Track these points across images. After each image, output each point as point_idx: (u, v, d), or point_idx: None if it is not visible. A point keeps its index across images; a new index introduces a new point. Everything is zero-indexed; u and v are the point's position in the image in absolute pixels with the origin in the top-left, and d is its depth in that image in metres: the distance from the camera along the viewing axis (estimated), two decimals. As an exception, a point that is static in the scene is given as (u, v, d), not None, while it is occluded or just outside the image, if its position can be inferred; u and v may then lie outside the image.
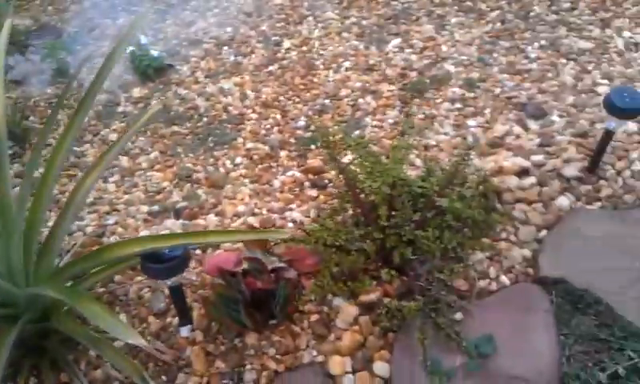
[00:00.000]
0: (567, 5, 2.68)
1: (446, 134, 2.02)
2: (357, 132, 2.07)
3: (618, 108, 1.48)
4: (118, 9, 2.91)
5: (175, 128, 2.25)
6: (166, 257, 1.16)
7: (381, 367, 1.30)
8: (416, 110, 2.14)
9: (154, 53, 2.52)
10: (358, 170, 1.52)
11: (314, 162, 1.97)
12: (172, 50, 2.67)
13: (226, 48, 2.67)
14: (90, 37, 2.77)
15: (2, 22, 2.39)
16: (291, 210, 1.78)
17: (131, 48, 2.54)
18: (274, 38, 2.68)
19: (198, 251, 1.60)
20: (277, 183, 1.92)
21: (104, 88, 2.51)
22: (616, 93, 1.51)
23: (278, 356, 1.32)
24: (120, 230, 1.80)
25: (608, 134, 1.57)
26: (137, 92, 2.49)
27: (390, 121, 2.12)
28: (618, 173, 1.68)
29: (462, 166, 1.52)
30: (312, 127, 2.12)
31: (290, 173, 1.96)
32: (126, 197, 1.96)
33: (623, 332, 1.33)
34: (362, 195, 1.50)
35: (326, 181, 1.88)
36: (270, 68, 2.52)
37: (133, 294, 1.50)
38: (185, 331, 1.35)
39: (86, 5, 2.95)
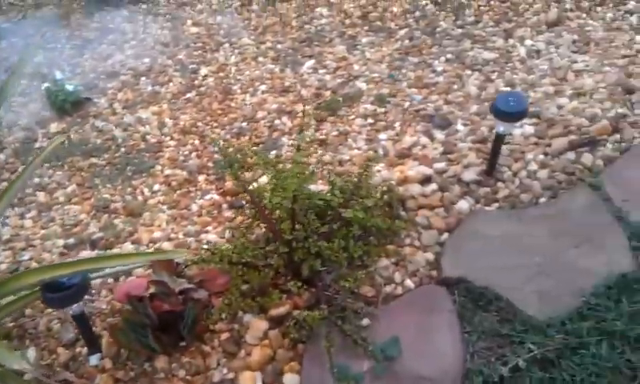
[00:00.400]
0: (472, 18, 2.81)
1: (359, 148, 2.08)
2: (273, 152, 2.12)
3: (503, 112, 1.57)
4: (36, 47, 2.88)
5: (93, 160, 2.25)
6: (64, 285, 1.17)
7: (291, 379, 1.32)
8: (330, 127, 2.21)
9: (70, 87, 2.51)
10: (267, 187, 1.56)
11: (232, 183, 2.01)
12: (90, 83, 2.67)
13: (143, 78, 2.68)
14: (7, 74, 2.73)
15: None
16: (207, 232, 1.80)
17: (46, 84, 2.53)
18: (191, 66, 2.72)
19: (111, 280, 1.60)
20: (195, 207, 1.94)
21: (21, 125, 2.51)
22: (502, 98, 1.60)
23: (188, 377, 1.33)
24: (34, 264, 1.78)
25: (498, 138, 1.66)
26: (54, 127, 2.47)
27: (307, 139, 2.17)
28: (515, 174, 1.78)
29: (365, 178, 1.58)
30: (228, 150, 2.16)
31: (208, 196, 1.98)
32: (43, 232, 1.94)
33: (524, 326, 1.39)
34: (268, 212, 1.53)
35: (243, 202, 1.92)
36: (188, 95, 2.55)
37: (42, 326, 1.49)
38: (94, 360, 1.35)
39: (3, 44, 2.91)
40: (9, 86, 1.38)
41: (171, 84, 2.63)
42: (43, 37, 2.95)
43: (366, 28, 2.85)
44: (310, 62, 2.65)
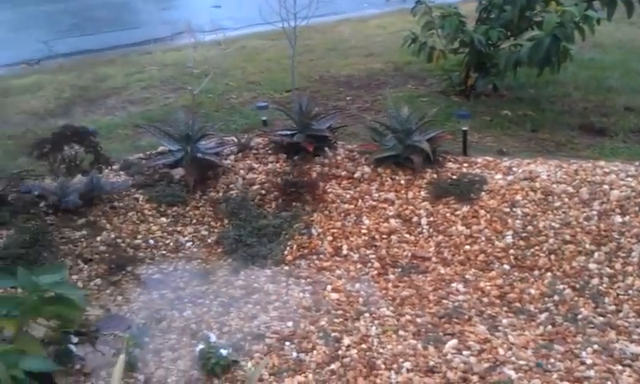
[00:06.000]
0: (612, 307, 2.83)
1: None
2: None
3: None
4: (185, 300, 3.10)
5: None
6: None
7: None
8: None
9: (224, 352, 2.64)
10: None
11: None
12: (236, 344, 2.79)
13: (287, 343, 2.79)
14: (158, 329, 2.91)
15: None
16: None
17: (201, 346, 2.68)
18: (333, 335, 2.81)
19: None
20: None
21: (169, 382, 2.62)
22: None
23: None
24: None
25: None
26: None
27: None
28: None
29: None
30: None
31: None
32: None
33: None
34: None
35: None
36: (332, 366, 2.61)
37: None
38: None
39: (154, 295, 3.14)
40: None
41: (315, 352, 2.71)
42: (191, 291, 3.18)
43: (505, 309, 2.91)
44: (453, 341, 2.69)
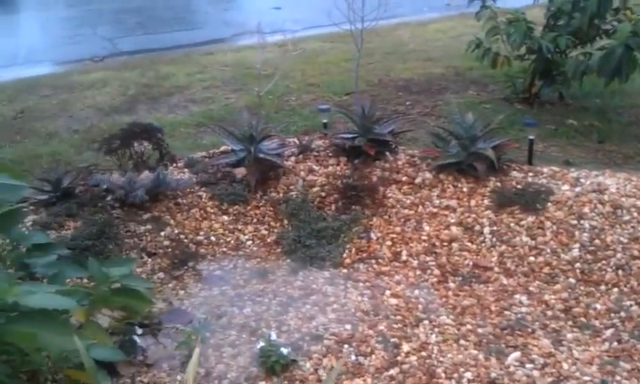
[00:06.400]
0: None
1: None
2: None
3: None
4: (244, 298, 3.13)
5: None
6: None
7: None
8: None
9: (285, 351, 2.66)
10: None
11: None
12: (295, 344, 2.81)
13: (346, 346, 2.78)
14: (218, 324, 2.96)
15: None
16: None
17: (261, 343, 2.71)
18: (392, 340, 2.80)
19: None
20: None
21: (230, 378, 2.65)
22: None
23: None
24: None
25: None
26: (262, 386, 2.60)
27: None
28: None
29: None
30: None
31: None
32: None
33: None
34: None
35: None
36: (391, 371, 2.60)
37: None
38: None
39: (215, 291, 3.20)
40: None
41: (374, 356, 2.70)
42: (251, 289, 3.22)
43: (569, 323, 2.84)
44: (516, 354, 2.64)
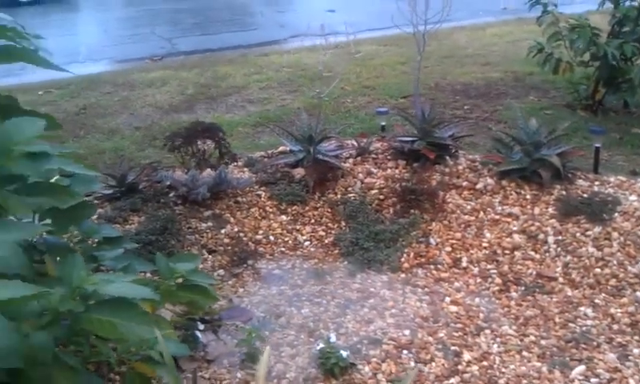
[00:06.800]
0: None
1: None
2: None
3: None
4: (302, 298, 3.15)
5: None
6: None
7: None
8: None
9: (344, 354, 2.65)
10: None
11: None
12: (353, 347, 2.80)
13: (405, 352, 2.76)
14: (277, 323, 2.98)
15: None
16: None
17: (321, 344, 2.71)
18: (452, 348, 2.76)
19: None
20: None
21: (289, 378, 2.66)
22: None
23: None
24: None
25: None
26: (320, 390, 2.60)
27: None
28: None
29: None
30: None
31: None
32: None
33: None
34: None
35: None
36: (452, 380, 2.57)
37: None
38: None
39: (273, 291, 3.22)
40: None
41: (434, 363, 2.67)
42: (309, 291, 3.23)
43: (636, 338, 2.75)
44: (581, 368, 2.57)
